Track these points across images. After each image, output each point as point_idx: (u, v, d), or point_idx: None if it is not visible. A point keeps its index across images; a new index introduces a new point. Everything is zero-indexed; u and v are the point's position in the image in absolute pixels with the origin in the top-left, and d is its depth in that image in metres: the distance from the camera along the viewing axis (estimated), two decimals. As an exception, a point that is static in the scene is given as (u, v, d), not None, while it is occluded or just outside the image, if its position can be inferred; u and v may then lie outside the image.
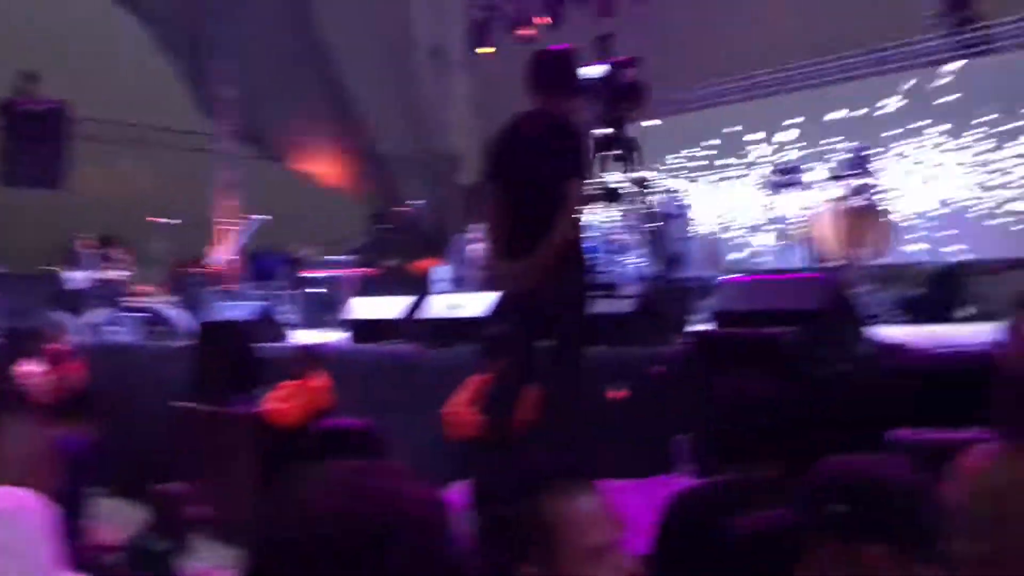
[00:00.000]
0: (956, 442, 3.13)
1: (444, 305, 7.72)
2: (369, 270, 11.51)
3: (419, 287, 11.29)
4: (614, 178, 5.17)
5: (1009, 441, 2.10)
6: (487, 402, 4.44)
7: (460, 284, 11.08)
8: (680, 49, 12.61)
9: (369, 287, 10.70)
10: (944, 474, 2.08)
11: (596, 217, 5.15)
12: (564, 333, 3.92)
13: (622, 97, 5.04)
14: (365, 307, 8.37)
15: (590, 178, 3.89)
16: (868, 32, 11.41)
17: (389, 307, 8.11)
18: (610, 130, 5.09)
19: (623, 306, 5.81)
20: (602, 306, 5.29)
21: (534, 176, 3.83)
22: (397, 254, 10.19)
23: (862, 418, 4.12)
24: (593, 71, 5.09)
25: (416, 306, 7.66)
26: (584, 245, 4.04)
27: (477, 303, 7.27)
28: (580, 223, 3.99)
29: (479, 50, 12.86)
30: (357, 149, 15.23)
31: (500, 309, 4.21)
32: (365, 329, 7.94)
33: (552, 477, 1.24)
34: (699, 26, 12.40)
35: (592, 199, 4.90)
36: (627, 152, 5.07)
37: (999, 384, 2.20)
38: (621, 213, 5.08)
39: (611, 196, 4.96)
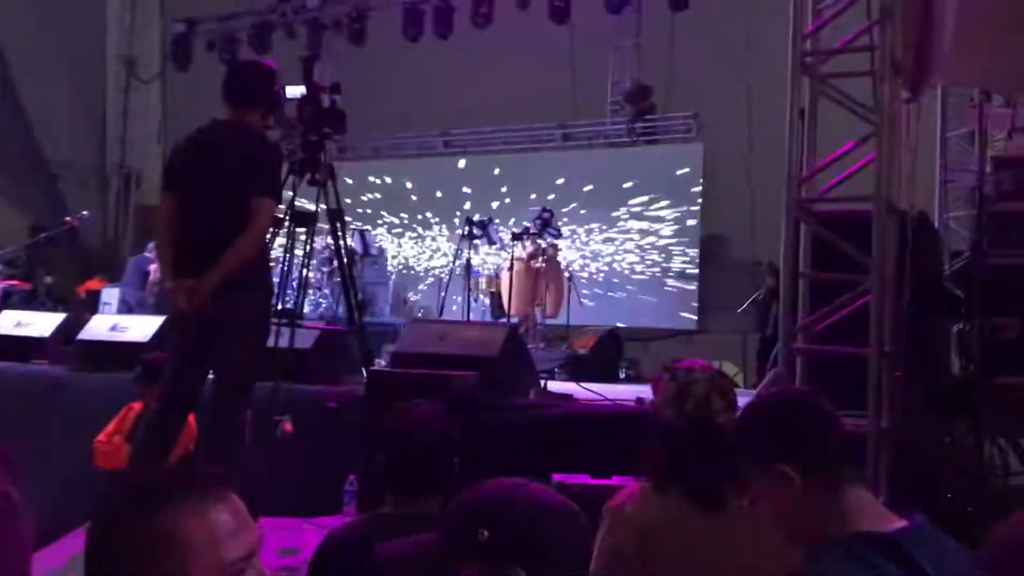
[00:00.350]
0: (610, 487, 3.33)
1: (106, 327, 7.06)
2: (22, 283, 10.34)
3: (85, 307, 10.28)
4: (307, 205, 4.96)
5: (652, 483, 2.23)
6: (138, 432, 4.01)
7: (134, 308, 10.36)
8: (383, 96, 12.80)
9: (20, 301, 9.55)
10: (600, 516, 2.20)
11: (283, 243, 4.89)
12: (233, 362, 3.62)
13: (322, 120, 4.88)
14: (10, 322, 7.40)
15: (280, 199, 3.65)
16: (559, 110, 12.28)
17: (40, 324, 7.25)
18: (304, 154, 4.90)
19: (304, 341, 5.61)
20: (281, 338, 5.04)
21: (219, 188, 3.53)
22: (56, 269, 9.18)
23: (529, 460, 4.25)
24: (294, 90, 4.91)
25: (70, 325, 6.93)
26: (268, 270, 3.79)
27: (143, 326, 6.77)
28: (266, 245, 3.76)
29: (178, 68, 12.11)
30: (22, 155, 13.67)
31: (165, 332, 3.84)
32: (7, 345, 7.02)
33: (179, 489, 1.06)
34: (402, 76, 12.63)
35: (281, 222, 4.65)
36: (323, 179, 4.90)
37: (647, 433, 2.37)
38: (311, 243, 4.86)
39: (303, 222, 4.74)
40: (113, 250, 15.26)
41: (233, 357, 3.58)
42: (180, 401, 3.68)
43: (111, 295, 11.62)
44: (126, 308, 10.85)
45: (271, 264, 3.89)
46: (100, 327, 7.06)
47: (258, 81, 3.74)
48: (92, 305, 10.94)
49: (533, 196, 11.36)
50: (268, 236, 3.80)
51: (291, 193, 4.85)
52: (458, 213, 11.97)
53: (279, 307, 4.80)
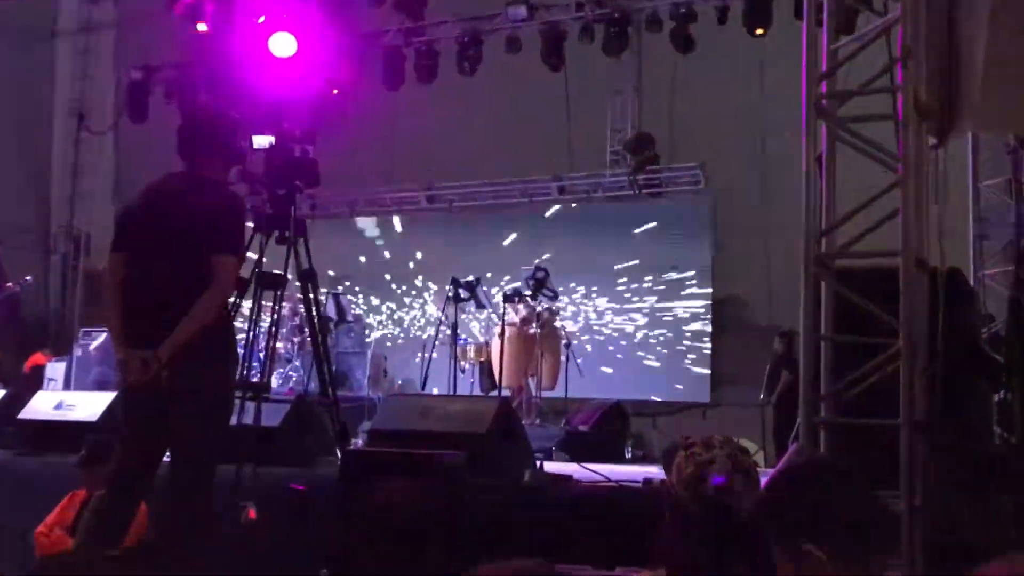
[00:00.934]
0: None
1: (50, 405, 7.02)
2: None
3: (28, 383, 10.22)
4: (274, 266, 4.98)
5: (669, 570, 2.22)
6: (83, 521, 3.95)
7: (84, 383, 10.34)
8: (361, 146, 12.94)
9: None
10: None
11: (249, 308, 4.89)
12: (192, 441, 3.58)
13: (292, 172, 4.93)
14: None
15: (243, 256, 3.65)
16: (554, 161, 12.43)
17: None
18: (272, 210, 4.93)
19: (272, 417, 5.58)
20: (245, 416, 5.01)
21: (174, 247, 3.53)
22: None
23: (524, 548, 4.20)
24: (261, 140, 4.96)
25: (9, 403, 6.89)
26: (232, 337, 3.78)
27: (92, 404, 6.72)
28: (229, 310, 3.75)
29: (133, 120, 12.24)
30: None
31: (115, 409, 3.81)
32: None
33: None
34: (382, 125, 12.81)
35: (245, 285, 4.66)
36: (293, 237, 4.92)
37: (658, 520, 2.37)
38: (280, 308, 4.86)
39: (270, 285, 4.75)
40: (59, 320, 15.24)
41: (192, 436, 3.54)
42: (131, 486, 3.63)
43: (56, 370, 11.58)
44: (75, 384, 10.82)
45: (234, 331, 3.87)
46: (44, 405, 7.01)
47: (215, 130, 3.78)
48: (36, 381, 10.89)
49: (526, 254, 11.42)
50: (231, 300, 3.79)
51: (257, 254, 4.87)
52: (443, 274, 11.99)
53: (244, 379, 4.79)
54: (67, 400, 7.02)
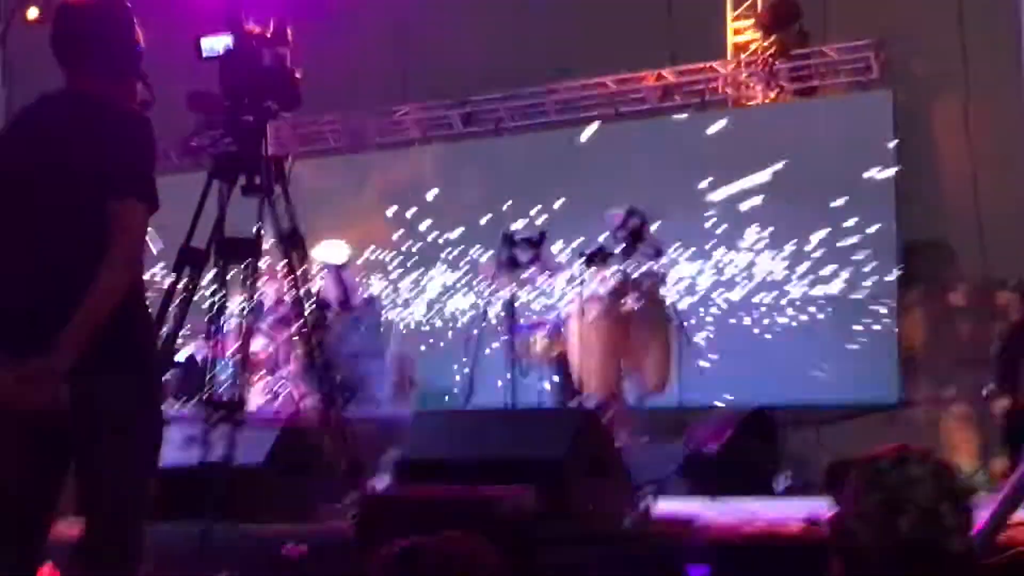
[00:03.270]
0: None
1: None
2: None
3: None
4: (241, 228, 5.02)
5: None
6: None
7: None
8: (365, 51, 13.02)
9: None
10: None
11: (209, 289, 4.95)
12: (107, 487, 3.60)
13: (261, 89, 4.95)
14: None
15: (155, 199, 3.62)
16: (649, 53, 12.39)
17: None
18: (234, 146, 4.97)
19: (252, 450, 5.66)
20: (212, 450, 5.07)
21: (53, 201, 3.55)
22: None
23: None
24: (214, 42, 4.98)
25: None
26: (149, 322, 3.78)
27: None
28: (141, 280, 3.74)
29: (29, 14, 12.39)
30: None
31: None
32: None
33: None
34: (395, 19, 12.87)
35: (202, 255, 4.71)
36: (266, 184, 4.96)
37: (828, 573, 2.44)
38: (253, 288, 4.91)
39: (235, 254, 4.79)
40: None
41: (105, 479, 3.56)
42: (13, 554, 3.66)
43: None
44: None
45: (150, 315, 3.87)
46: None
47: (91, 26, 3.77)
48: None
49: (611, 193, 11.38)
50: (141, 262, 3.75)
51: (217, 212, 4.91)
52: (490, 229, 11.99)
53: (209, 396, 4.86)
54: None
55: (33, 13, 11.28)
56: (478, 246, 12.17)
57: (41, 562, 3.78)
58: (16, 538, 3.63)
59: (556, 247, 9.72)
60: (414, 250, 13.40)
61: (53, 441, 3.53)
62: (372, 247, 13.42)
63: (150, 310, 3.84)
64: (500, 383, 9.33)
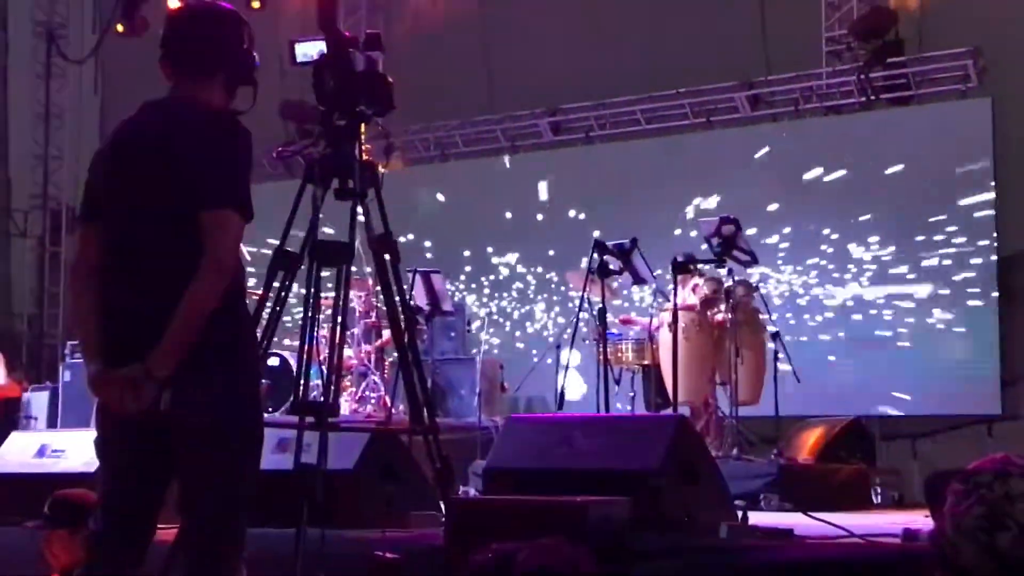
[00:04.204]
0: None
1: (30, 451, 7.30)
2: None
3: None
4: (335, 231, 5.03)
5: None
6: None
7: (73, 418, 10.81)
8: (453, 61, 13.10)
9: None
10: None
11: (304, 296, 4.96)
12: (205, 494, 3.61)
13: (356, 93, 4.95)
14: None
15: (251, 209, 3.62)
16: (742, 63, 12.35)
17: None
18: (327, 148, 4.98)
19: (342, 455, 5.67)
20: (304, 454, 5.09)
21: (156, 208, 3.57)
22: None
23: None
24: (309, 48, 5.00)
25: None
26: (248, 330, 3.79)
27: (89, 446, 6.94)
28: (241, 289, 3.75)
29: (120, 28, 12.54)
30: None
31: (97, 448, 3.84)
32: None
33: None
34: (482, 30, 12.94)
35: (296, 261, 4.72)
36: (360, 188, 4.96)
37: None
38: (345, 294, 4.91)
39: (329, 258, 4.79)
40: (34, 333, 15.78)
41: (205, 482, 3.58)
42: (118, 558, 3.69)
43: (36, 403, 12.03)
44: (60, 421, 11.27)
45: (250, 321, 3.88)
46: (19, 452, 7.27)
47: (210, 32, 3.77)
48: (8, 420, 11.36)
49: (703, 201, 11.32)
50: (240, 273, 3.77)
51: (311, 217, 4.91)
52: (580, 235, 11.98)
53: (301, 401, 4.86)
54: (53, 443, 7.24)
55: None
56: (571, 254, 12.20)
57: (136, 570, 3.82)
58: (128, 540, 3.67)
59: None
60: (505, 258, 13.47)
61: (157, 445, 3.57)
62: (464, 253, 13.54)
63: (250, 316, 3.86)
64: (590, 392, 9.29)
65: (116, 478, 3.68)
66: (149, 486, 3.66)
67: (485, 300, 13.51)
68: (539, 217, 13.28)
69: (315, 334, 5.08)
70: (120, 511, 3.67)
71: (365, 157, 5.09)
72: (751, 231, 9.52)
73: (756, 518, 5.85)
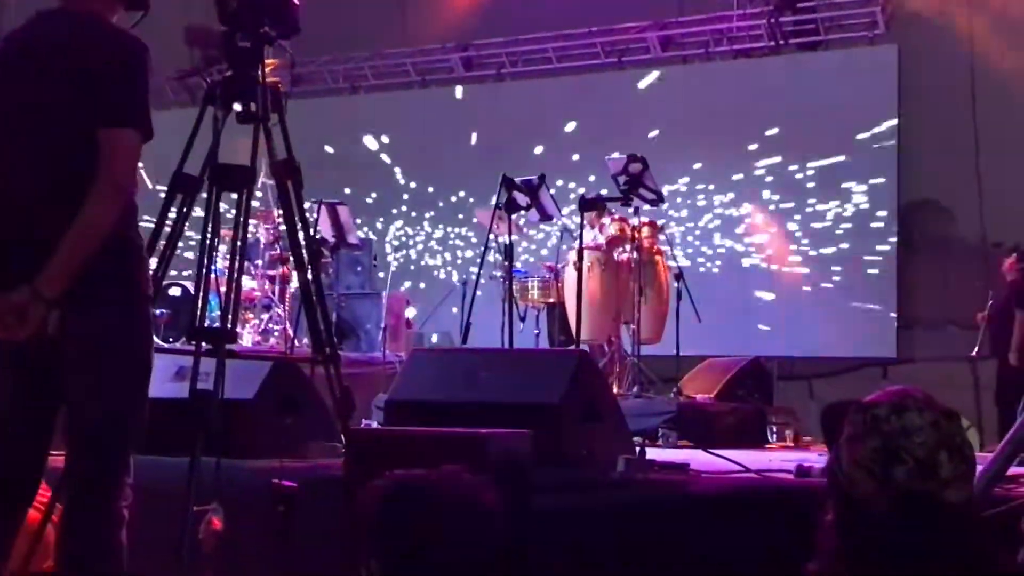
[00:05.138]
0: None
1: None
2: None
3: None
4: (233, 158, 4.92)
5: None
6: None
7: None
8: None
9: None
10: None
11: (197, 219, 4.87)
12: (91, 421, 3.56)
13: (260, 12, 4.84)
14: None
15: (150, 127, 3.56)
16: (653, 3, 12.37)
17: None
18: (231, 70, 4.87)
19: (242, 384, 5.61)
20: (202, 382, 5.02)
21: (47, 126, 3.49)
22: None
23: (617, 569, 4.19)
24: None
25: None
26: (140, 252, 3.72)
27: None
28: (133, 210, 3.67)
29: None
30: None
31: None
32: None
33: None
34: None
35: (195, 182, 4.62)
36: (262, 112, 4.86)
37: (820, 523, 2.43)
38: (245, 219, 4.82)
39: (230, 182, 4.70)
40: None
41: (91, 407, 3.52)
42: (7, 491, 3.64)
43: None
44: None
45: (142, 244, 3.79)
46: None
47: None
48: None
49: (612, 141, 11.33)
50: (134, 193, 3.68)
51: (212, 140, 4.81)
52: (488, 172, 11.97)
53: (199, 326, 4.77)
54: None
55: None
56: (477, 190, 12.21)
57: (37, 489, 3.77)
58: (15, 467, 3.62)
59: (554, 192, 9.63)
60: (412, 192, 13.44)
61: (43, 370, 3.51)
62: (371, 191, 13.49)
63: (143, 241, 3.78)
64: (496, 329, 9.32)
65: (5, 404, 3.61)
66: (36, 416, 3.60)
67: (394, 235, 13.49)
68: (452, 153, 13.24)
69: (214, 263, 5.00)
70: (7, 443, 3.61)
71: (269, 80, 5.01)
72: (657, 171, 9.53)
73: (654, 454, 5.88)
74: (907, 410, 2.32)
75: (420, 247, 13.47)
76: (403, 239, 13.50)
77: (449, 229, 13.31)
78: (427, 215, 13.45)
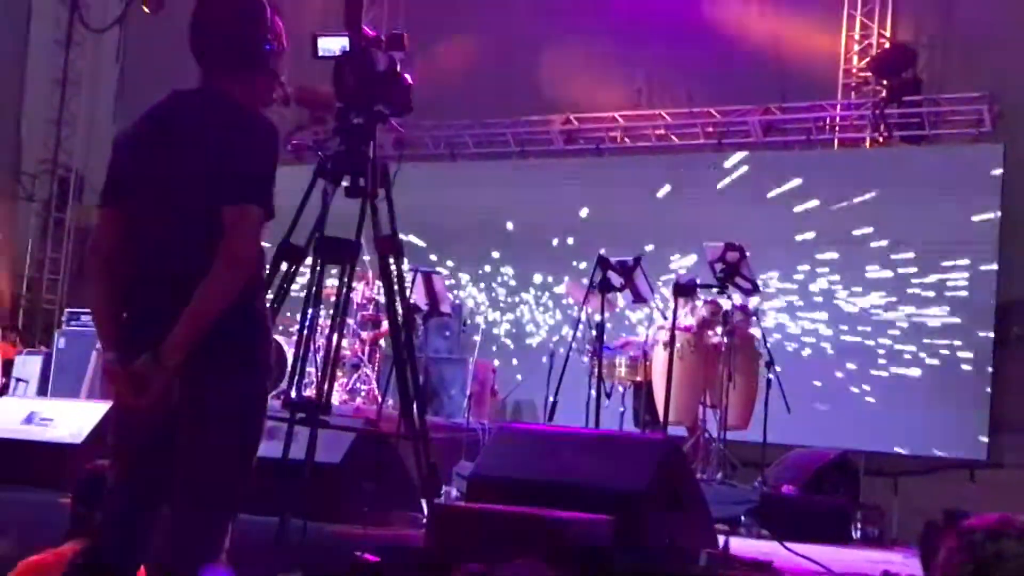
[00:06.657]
0: None
1: (19, 417, 7.30)
2: None
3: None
4: (341, 230, 5.03)
5: None
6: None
7: (64, 386, 10.81)
8: (470, 60, 13.10)
9: None
10: None
11: (298, 288, 4.95)
12: (202, 483, 3.60)
13: (374, 91, 4.95)
14: None
15: (271, 211, 3.63)
16: (757, 89, 12.36)
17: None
18: (342, 145, 4.98)
19: (329, 450, 5.66)
20: (293, 444, 5.08)
21: (184, 199, 3.57)
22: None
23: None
24: (330, 43, 4.99)
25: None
26: (263, 328, 3.78)
27: (78, 418, 6.96)
28: (259, 286, 3.75)
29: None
30: None
31: (102, 434, 3.84)
32: None
33: None
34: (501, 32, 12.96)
35: (300, 255, 4.71)
36: (371, 188, 4.96)
37: None
38: (348, 290, 4.91)
39: (335, 255, 4.79)
40: (32, 297, 15.77)
41: (204, 472, 3.57)
42: (126, 538, 3.69)
43: (30, 367, 12.01)
44: (52, 387, 11.27)
45: (268, 318, 3.87)
46: (9, 417, 7.27)
47: (240, 23, 3.73)
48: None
49: (709, 225, 11.30)
50: (260, 269, 3.76)
51: (319, 212, 4.92)
52: (586, 248, 11.99)
53: (290, 394, 4.85)
54: (42, 411, 7.24)
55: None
56: (574, 263, 12.22)
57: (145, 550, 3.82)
58: (133, 524, 3.66)
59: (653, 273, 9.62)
60: (508, 264, 13.46)
61: (165, 436, 3.56)
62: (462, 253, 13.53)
63: (267, 311, 3.84)
64: (581, 404, 9.29)
65: (127, 463, 3.67)
66: (157, 473, 3.66)
67: (484, 304, 13.51)
68: (544, 226, 13.25)
69: (314, 325, 5.08)
70: (130, 495, 3.66)
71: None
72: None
73: (736, 543, 5.83)
74: (1004, 537, 2.31)
75: (511, 315, 13.46)
76: (494, 306, 13.51)
77: (540, 298, 13.30)
78: (520, 284, 13.45)
